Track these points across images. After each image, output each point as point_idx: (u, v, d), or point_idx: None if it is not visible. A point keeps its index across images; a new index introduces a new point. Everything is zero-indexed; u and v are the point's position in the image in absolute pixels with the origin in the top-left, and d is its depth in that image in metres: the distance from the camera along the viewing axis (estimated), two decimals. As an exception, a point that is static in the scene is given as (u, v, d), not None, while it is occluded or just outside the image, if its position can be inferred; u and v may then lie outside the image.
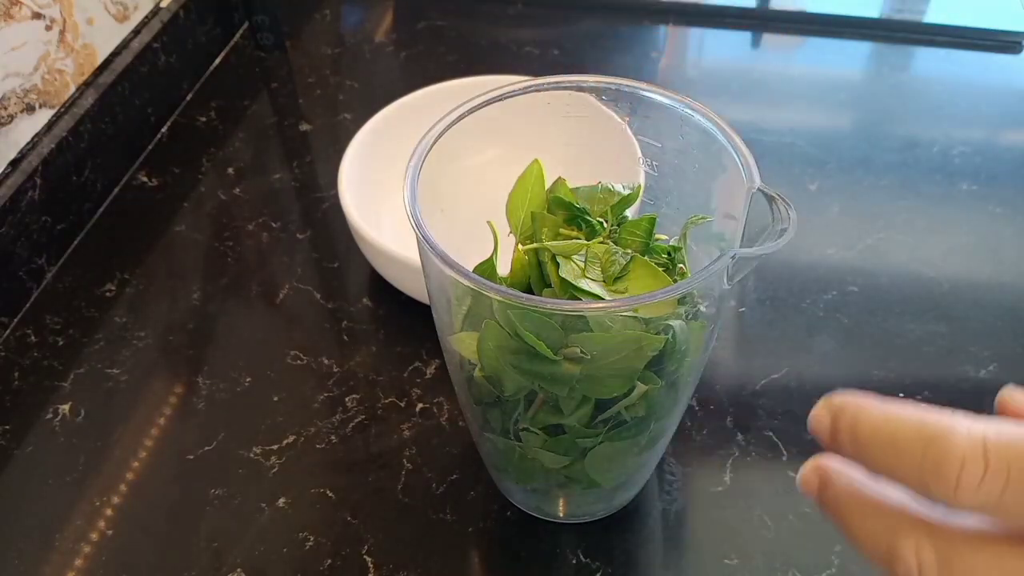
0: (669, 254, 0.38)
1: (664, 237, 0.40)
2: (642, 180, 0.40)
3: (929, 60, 0.74)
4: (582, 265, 0.35)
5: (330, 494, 0.46)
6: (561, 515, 0.44)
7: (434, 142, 0.36)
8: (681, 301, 0.33)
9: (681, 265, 0.37)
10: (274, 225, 0.60)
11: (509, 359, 0.34)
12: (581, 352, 0.32)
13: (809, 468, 0.25)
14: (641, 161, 0.40)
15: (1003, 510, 0.20)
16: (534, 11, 0.79)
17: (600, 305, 0.32)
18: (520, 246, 0.38)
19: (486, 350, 0.35)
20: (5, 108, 0.54)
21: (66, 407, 0.50)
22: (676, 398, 0.38)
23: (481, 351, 0.35)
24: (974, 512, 0.21)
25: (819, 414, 0.24)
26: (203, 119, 0.69)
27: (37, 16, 0.56)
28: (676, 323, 0.33)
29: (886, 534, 0.22)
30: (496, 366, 0.35)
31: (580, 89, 0.39)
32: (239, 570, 0.43)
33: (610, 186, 0.39)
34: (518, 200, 0.38)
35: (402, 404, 0.49)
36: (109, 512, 0.45)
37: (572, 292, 0.35)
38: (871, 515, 0.23)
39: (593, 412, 0.35)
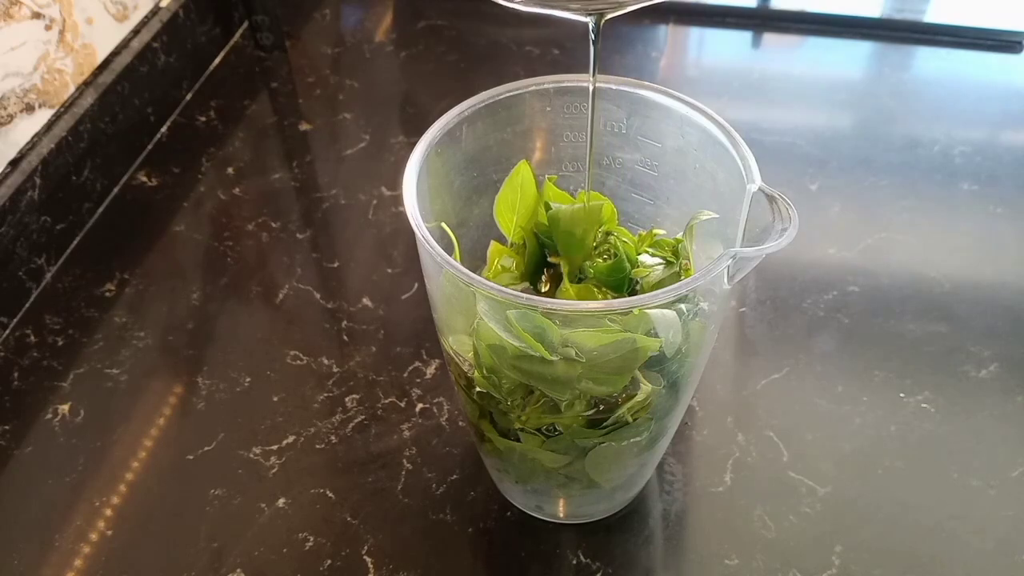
0: (674, 248, 0.38)
1: (662, 232, 0.40)
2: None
3: (929, 60, 0.74)
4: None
5: (330, 494, 0.46)
6: (561, 515, 0.44)
7: (435, 142, 0.36)
8: (682, 300, 0.33)
9: (686, 260, 0.37)
10: (274, 225, 0.60)
11: (507, 360, 0.34)
12: (576, 355, 0.32)
13: None
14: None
15: None
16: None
17: (600, 305, 0.32)
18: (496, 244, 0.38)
19: (480, 349, 0.35)
20: (5, 108, 0.54)
21: (66, 407, 0.50)
22: (677, 398, 0.38)
23: (476, 350, 0.35)
24: None
25: None
26: (203, 119, 0.69)
27: (37, 16, 0.56)
28: (675, 321, 0.33)
29: None
30: (491, 365, 0.35)
31: (581, 89, 0.39)
32: (239, 570, 0.43)
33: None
34: (506, 202, 0.39)
35: (402, 404, 0.49)
36: (109, 512, 0.45)
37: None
38: None
39: (588, 410, 0.35)
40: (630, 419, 0.35)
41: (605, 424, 0.35)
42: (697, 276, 0.31)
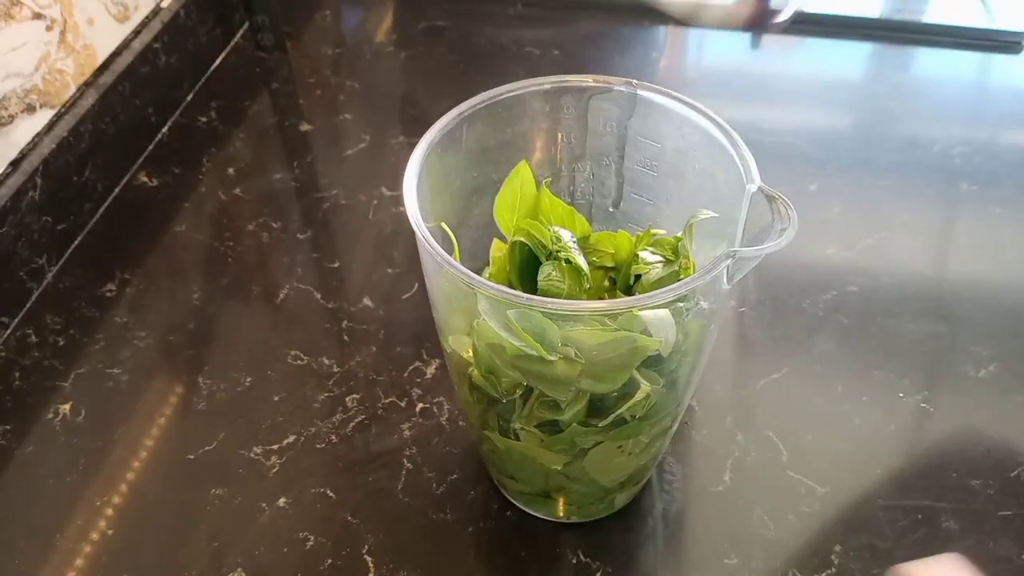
0: (674, 247, 0.38)
1: (662, 231, 0.40)
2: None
3: (929, 60, 0.74)
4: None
5: (330, 494, 0.46)
6: (561, 515, 0.44)
7: (436, 142, 0.37)
8: (682, 300, 0.33)
9: (685, 259, 0.37)
10: (274, 225, 0.60)
11: (507, 359, 0.34)
12: (575, 355, 0.32)
13: None
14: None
15: None
16: (534, 11, 0.79)
17: (600, 305, 0.32)
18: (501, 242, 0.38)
19: (480, 349, 0.35)
20: (6, 108, 0.54)
21: (67, 407, 0.50)
22: (676, 398, 0.38)
23: (475, 350, 0.35)
24: None
25: None
26: (203, 119, 0.69)
27: (38, 16, 0.56)
28: (670, 321, 0.34)
29: None
30: (491, 365, 0.35)
31: (581, 89, 0.39)
32: (239, 570, 0.43)
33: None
34: (506, 202, 0.39)
35: (402, 404, 0.49)
36: (109, 512, 0.45)
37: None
38: None
39: (588, 409, 0.35)
40: (629, 418, 0.35)
41: (605, 424, 0.35)
42: (697, 276, 0.31)
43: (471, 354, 0.36)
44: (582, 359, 0.33)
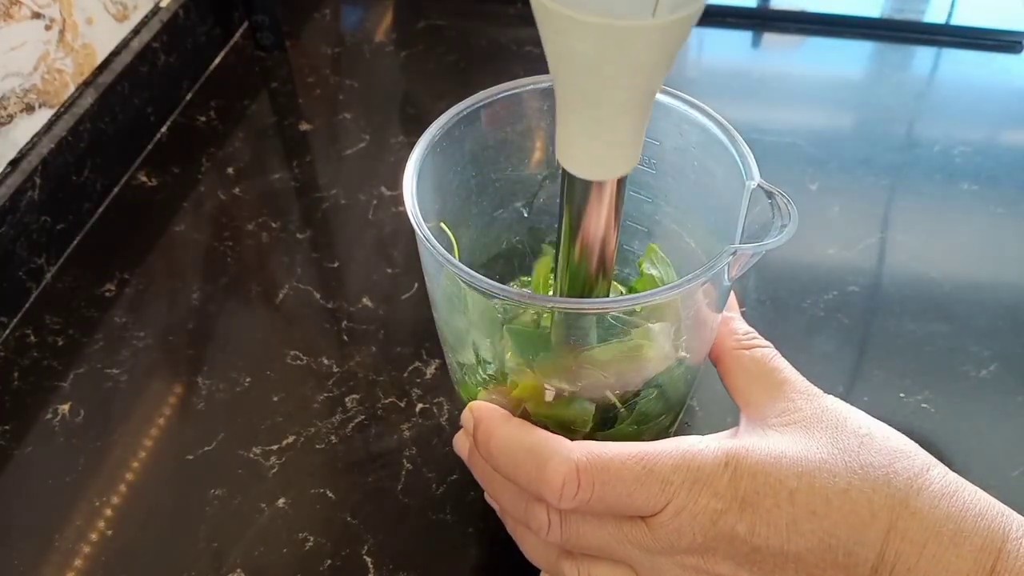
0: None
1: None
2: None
3: (929, 60, 0.74)
4: None
5: (330, 494, 0.46)
6: (561, 515, 0.44)
7: (435, 141, 0.36)
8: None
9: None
10: (274, 225, 0.60)
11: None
12: (603, 376, 0.32)
13: (459, 436, 0.37)
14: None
15: (591, 508, 0.30)
16: (534, 11, 0.79)
17: (600, 305, 0.32)
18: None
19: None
20: (4, 108, 0.54)
21: (65, 407, 0.50)
22: (675, 398, 0.38)
23: (476, 351, 0.35)
24: (573, 510, 0.30)
25: (465, 417, 0.33)
26: (203, 119, 0.69)
27: (36, 16, 0.56)
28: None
29: (521, 501, 0.32)
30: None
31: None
32: (239, 570, 0.43)
33: None
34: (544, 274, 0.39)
35: (402, 404, 0.49)
36: (109, 512, 0.45)
37: None
38: (510, 488, 0.33)
39: (596, 425, 0.35)
40: (624, 410, 0.35)
41: (604, 426, 0.35)
42: (698, 272, 0.31)
43: (471, 355, 0.36)
44: (603, 372, 0.33)
